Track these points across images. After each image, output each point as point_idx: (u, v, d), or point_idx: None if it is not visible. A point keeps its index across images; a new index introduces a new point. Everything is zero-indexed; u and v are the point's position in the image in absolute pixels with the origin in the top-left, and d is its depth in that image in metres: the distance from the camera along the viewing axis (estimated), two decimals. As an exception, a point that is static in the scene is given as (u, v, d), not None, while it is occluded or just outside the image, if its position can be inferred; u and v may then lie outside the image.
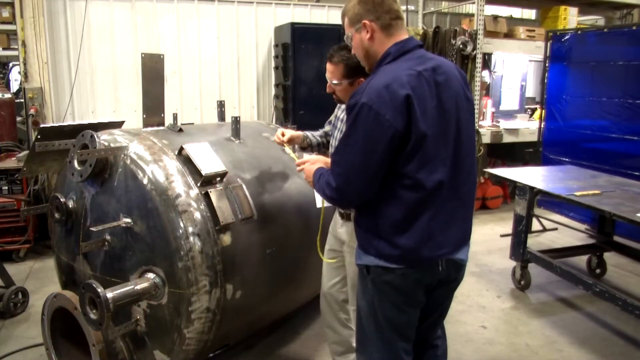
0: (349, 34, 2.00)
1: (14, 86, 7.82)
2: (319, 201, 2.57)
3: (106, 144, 2.55)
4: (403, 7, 7.22)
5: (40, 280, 4.37)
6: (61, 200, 2.71)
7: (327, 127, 2.91)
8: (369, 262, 1.94)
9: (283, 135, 2.78)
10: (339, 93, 2.47)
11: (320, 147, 2.91)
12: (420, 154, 1.80)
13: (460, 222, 1.98)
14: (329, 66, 2.46)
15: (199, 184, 2.49)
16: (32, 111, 5.17)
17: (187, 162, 2.54)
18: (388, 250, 1.88)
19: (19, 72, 5.56)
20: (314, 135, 2.89)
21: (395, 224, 1.86)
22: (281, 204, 2.85)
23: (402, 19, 1.96)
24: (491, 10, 7.03)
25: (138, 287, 2.33)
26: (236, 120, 3.02)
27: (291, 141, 2.80)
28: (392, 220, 1.86)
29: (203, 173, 2.48)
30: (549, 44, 5.51)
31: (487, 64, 6.79)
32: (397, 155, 1.79)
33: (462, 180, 1.94)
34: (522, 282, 4.26)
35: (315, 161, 2.27)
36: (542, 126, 5.69)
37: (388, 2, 1.93)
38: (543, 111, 5.70)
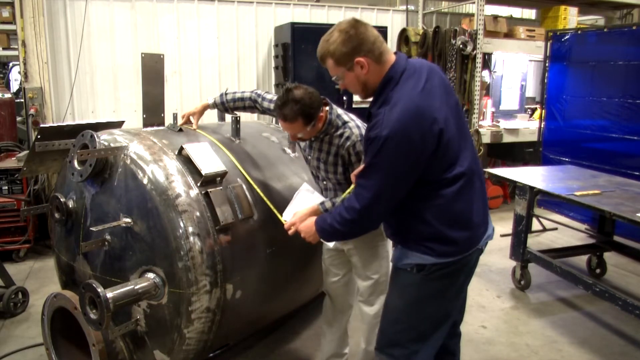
0: (339, 75, 1.99)
1: (14, 86, 7.83)
2: (331, 242, 2.52)
3: (106, 144, 2.55)
4: (403, 7, 7.26)
5: (40, 280, 4.37)
6: (61, 200, 2.71)
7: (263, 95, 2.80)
8: (424, 262, 2.00)
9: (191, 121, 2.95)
10: (307, 136, 2.46)
11: (226, 105, 2.88)
12: (448, 156, 1.91)
13: (485, 202, 2.12)
14: (285, 125, 2.38)
15: (199, 184, 2.49)
16: (32, 111, 5.17)
17: (187, 162, 2.53)
18: (445, 248, 1.98)
19: (19, 72, 5.56)
20: (225, 100, 2.86)
21: (446, 222, 1.96)
22: (282, 203, 2.84)
23: (384, 41, 2.00)
24: (491, 10, 7.03)
25: (138, 287, 2.33)
26: (236, 120, 3.01)
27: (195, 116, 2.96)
28: (442, 219, 1.96)
29: (203, 173, 2.48)
30: (549, 43, 5.51)
31: (487, 63, 6.79)
32: (426, 168, 1.88)
33: (477, 163, 2.07)
34: (522, 282, 4.26)
35: (303, 217, 2.39)
36: (542, 126, 5.70)
37: (369, 32, 1.94)
38: (543, 111, 5.71)
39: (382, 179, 1.88)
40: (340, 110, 2.51)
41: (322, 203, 2.49)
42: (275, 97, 2.69)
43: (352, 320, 2.97)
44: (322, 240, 2.30)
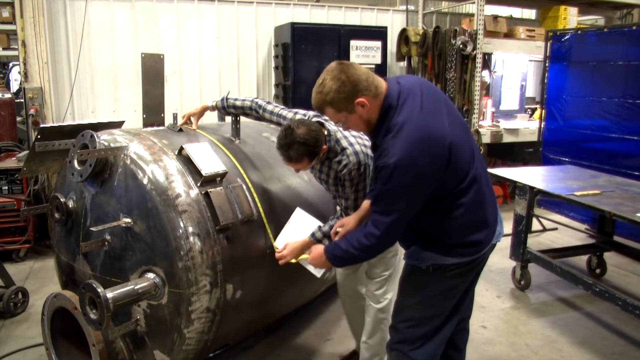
0: (342, 120, 2.00)
1: (14, 86, 7.82)
2: (319, 272, 2.60)
3: (106, 144, 2.55)
4: (403, 7, 7.25)
5: (40, 280, 4.38)
6: (61, 200, 2.71)
7: (267, 106, 2.76)
8: (443, 262, 2.07)
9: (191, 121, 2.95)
10: (309, 167, 2.48)
11: (227, 110, 2.89)
12: (461, 166, 1.95)
13: (494, 197, 2.19)
14: (292, 165, 2.40)
15: (199, 184, 2.49)
16: (32, 111, 5.17)
17: (187, 162, 2.53)
18: (465, 250, 2.06)
19: (19, 72, 5.56)
20: (226, 105, 2.85)
21: (467, 229, 2.04)
22: (281, 203, 2.85)
23: (374, 74, 1.99)
24: (491, 10, 7.03)
25: (138, 287, 2.33)
26: (236, 120, 3.01)
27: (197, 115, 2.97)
28: (463, 228, 2.04)
29: (203, 173, 2.48)
30: (549, 43, 5.51)
31: (487, 64, 6.79)
32: (442, 183, 1.94)
33: (481, 160, 2.10)
34: (522, 282, 4.26)
35: (295, 250, 2.49)
36: (542, 126, 5.69)
37: (359, 71, 1.93)
38: (543, 111, 5.70)
39: (397, 204, 1.92)
40: (340, 134, 2.48)
41: (313, 235, 2.55)
42: (276, 109, 2.71)
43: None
44: (330, 266, 2.32)
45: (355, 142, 2.47)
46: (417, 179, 1.87)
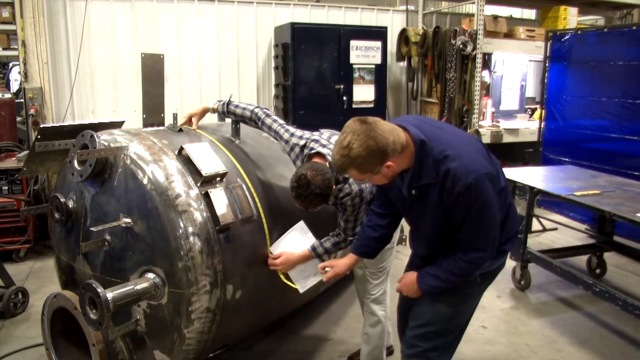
0: (365, 179, 1.97)
1: (14, 86, 7.82)
2: (302, 288, 2.68)
3: (106, 144, 2.54)
4: (403, 7, 7.25)
5: (40, 280, 4.38)
6: (61, 200, 2.71)
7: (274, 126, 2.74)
8: (490, 268, 2.17)
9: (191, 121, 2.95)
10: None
11: (227, 115, 2.91)
12: (494, 161, 2.04)
13: None
14: (312, 209, 2.44)
15: (199, 184, 2.48)
16: (32, 111, 5.17)
17: (187, 162, 2.53)
18: (509, 246, 2.16)
19: (19, 72, 5.56)
20: (226, 110, 2.86)
21: (515, 221, 2.15)
22: (281, 203, 2.85)
23: (395, 126, 1.91)
24: (491, 10, 7.03)
25: (138, 287, 2.33)
26: (236, 120, 3.01)
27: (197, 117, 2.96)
28: (514, 220, 2.15)
29: (203, 173, 2.48)
30: (549, 44, 5.51)
31: (487, 64, 6.79)
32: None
33: None
34: (522, 282, 4.26)
35: (288, 262, 2.60)
36: (542, 126, 5.70)
37: (385, 132, 1.84)
38: (543, 111, 5.71)
39: (490, 217, 1.95)
40: None
41: (314, 249, 2.63)
42: (274, 125, 2.72)
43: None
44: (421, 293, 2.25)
45: None
46: (492, 181, 1.91)
